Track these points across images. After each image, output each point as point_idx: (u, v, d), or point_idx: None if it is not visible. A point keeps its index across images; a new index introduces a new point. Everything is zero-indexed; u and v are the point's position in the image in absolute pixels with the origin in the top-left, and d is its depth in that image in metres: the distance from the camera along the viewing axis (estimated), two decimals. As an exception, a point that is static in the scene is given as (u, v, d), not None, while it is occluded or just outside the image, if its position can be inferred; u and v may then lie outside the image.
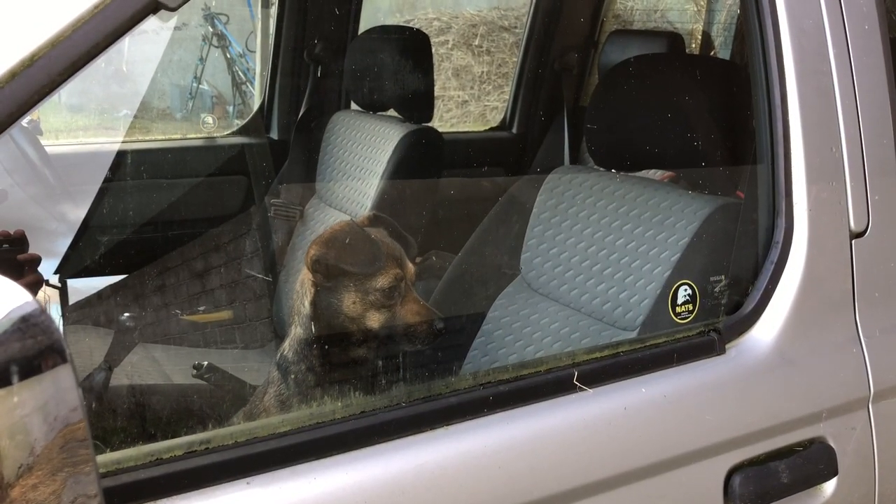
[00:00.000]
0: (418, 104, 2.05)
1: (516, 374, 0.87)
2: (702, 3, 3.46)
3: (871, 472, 1.08)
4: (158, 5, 0.63)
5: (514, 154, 2.91)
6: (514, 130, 2.92)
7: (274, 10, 2.61)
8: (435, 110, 5.82)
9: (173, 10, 0.63)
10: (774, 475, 0.97)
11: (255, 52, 4.83)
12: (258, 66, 3.60)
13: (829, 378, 1.06)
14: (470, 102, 5.09)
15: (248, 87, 7.13)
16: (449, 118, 5.15)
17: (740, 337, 1.00)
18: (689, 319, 1.04)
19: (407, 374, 1.05)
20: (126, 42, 0.68)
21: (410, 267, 1.16)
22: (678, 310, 1.04)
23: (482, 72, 4.95)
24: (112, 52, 0.67)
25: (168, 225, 2.17)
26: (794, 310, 1.03)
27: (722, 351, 0.99)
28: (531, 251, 1.61)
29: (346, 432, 0.75)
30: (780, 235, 1.03)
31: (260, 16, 3.71)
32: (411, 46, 2.07)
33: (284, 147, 2.44)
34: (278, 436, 0.72)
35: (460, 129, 4.44)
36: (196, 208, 2.25)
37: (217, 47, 7.10)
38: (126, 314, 1.60)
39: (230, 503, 0.68)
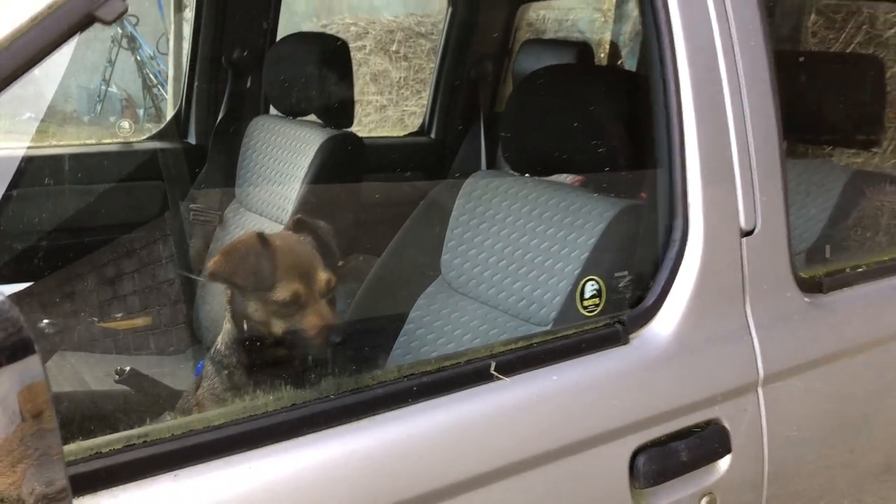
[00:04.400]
0: (338, 110, 2.08)
1: (438, 366, 0.93)
2: (609, 14, 3.61)
3: (760, 450, 1.18)
4: (94, 18, 0.65)
5: (432, 159, 2.97)
6: (433, 136, 2.99)
7: (188, 14, 2.59)
8: (356, 115, 5.85)
9: (108, 23, 0.66)
10: (675, 455, 1.06)
11: (166, 54, 4.74)
12: (171, 69, 3.55)
13: (723, 364, 1.15)
14: (388, 107, 5.13)
15: (159, 90, 6.96)
16: (368, 122, 5.18)
17: (642, 328, 1.09)
18: (595, 313, 1.12)
19: (335, 369, 1.09)
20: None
21: (322, 277, 1.19)
22: (586, 303, 1.12)
23: (400, 77, 5.01)
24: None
25: (80, 231, 2.14)
26: (690, 302, 1.12)
27: (626, 341, 1.07)
28: (450, 252, 1.67)
29: (278, 423, 0.79)
30: (677, 234, 1.13)
31: (173, 18, 3.66)
32: (330, 53, 2.11)
33: (202, 152, 2.44)
34: (213, 428, 0.76)
35: (380, 135, 4.48)
36: (110, 214, 2.23)
37: (127, 49, 6.92)
38: (45, 321, 1.58)
39: (167, 492, 0.72)
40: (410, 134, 3.10)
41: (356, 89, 5.63)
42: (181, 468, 0.73)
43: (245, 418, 0.78)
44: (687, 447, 1.08)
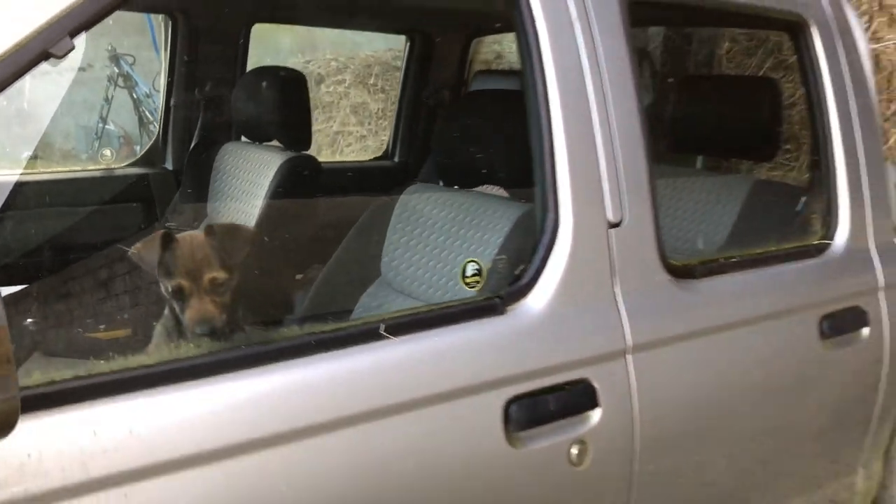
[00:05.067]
0: (297, 134, 2.33)
1: (337, 326, 1.15)
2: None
3: (629, 408, 1.39)
4: (48, 55, 0.89)
5: (396, 181, 3.21)
6: (396, 159, 3.23)
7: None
8: (336, 144, 6.11)
9: (60, 58, 0.89)
10: (545, 404, 1.28)
11: (160, 91, 5.02)
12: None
13: (591, 334, 1.37)
14: (368, 137, 5.39)
15: (155, 126, 7.23)
16: (349, 152, 5.44)
17: (518, 302, 1.31)
18: (476, 288, 1.34)
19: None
20: (27, 82, 0.93)
21: (208, 276, 1.42)
22: (468, 280, 1.35)
23: (378, 108, 5.27)
24: (13, 92, 0.92)
25: (66, 249, 2.37)
26: (561, 282, 1.34)
27: (503, 312, 1.29)
28: (389, 255, 1.90)
29: (199, 364, 1.02)
30: (549, 225, 1.35)
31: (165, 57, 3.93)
32: (290, 84, 2.36)
33: (179, 176, 2.68)
34: (146, 366, 0.99)
35: (348, 160, 4.73)
36: (92, 234, 2.46)
37: (123, 88, 7.20)
38: (28, 320, 1.80)
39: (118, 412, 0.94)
40: (376, 158, 3.34)
41: (337, 121, 5.89)
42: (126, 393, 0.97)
43: (175, 359, 1.01)
44: (556, 399, 1.29)
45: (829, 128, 1.88)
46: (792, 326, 1.71)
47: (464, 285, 1.34)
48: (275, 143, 2.41)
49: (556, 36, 1.39)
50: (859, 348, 1.85)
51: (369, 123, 5.34)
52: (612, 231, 1.42)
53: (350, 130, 5.45)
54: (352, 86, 5.37)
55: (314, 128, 6.00)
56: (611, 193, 1.42)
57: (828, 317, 1.76)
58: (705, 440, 1.57)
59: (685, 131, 2.35)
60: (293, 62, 5.84)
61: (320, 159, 2.40)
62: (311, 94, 5.56)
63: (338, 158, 5.27)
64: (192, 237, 1.48)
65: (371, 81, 5.29)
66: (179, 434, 0.98)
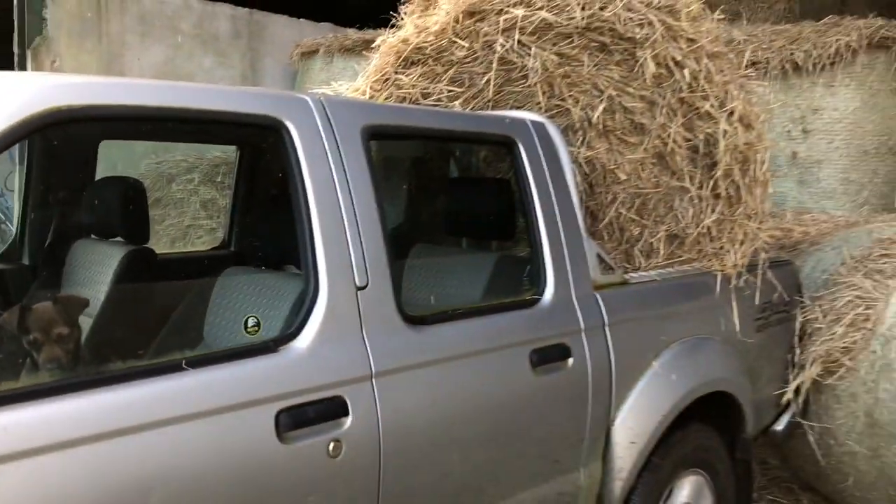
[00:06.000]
0: (136, 231, 2.83)
1: (151, 361, 1.69)
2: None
3: (374, 414, 1.98)
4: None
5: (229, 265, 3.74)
6: (232, 248, 3.77)
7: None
8: (188, 237, 6.56)
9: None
10: (307, 413, 1.84)
11: (13, 191, 5.32)
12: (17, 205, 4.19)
13: (345, 364, 1.96)
14: (217, 230, 5.89)
15: (7, 225, 7.37)
16: (199, 243, 5.92)
17: (287, 343, 1.89)
18: (255, 335, 1.91)
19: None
20: None
21: (55, 331, 1.98)
22: (250, 330, 1.92)
23: (225, 203, 5.81)
24: None
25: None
26: (321, 328, 1.93)
27: (276, 350, 1.86)
28: (209, 324, 2.43)
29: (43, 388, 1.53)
30: (311, 288, 1.95)
31: (18, 157, 4.31)
32: (130, 190, 2.88)
33: (35, 270, 3.11)
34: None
35: (192, 250, 5.21)
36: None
37: (-26, 189, 7.34)
38: None
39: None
40: (214, 248, 3.87)
41: (188, 216, 6.35)
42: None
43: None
44: (315, 409, 1.86)
45: (535, 215, 2.60)
46: (507, 358, 2.37)
47: (246, 334, 1.90)
48: (119, 238, 2.91)
49: (312, 156, 2.02)
50: (565, 375, 2.53)
51: (218, 217, 5.85)
52: (360, 292, 2.03)
53: (200, 224, 5.94)
54: (201, 183, 5.90)
55: (168, 223, 6.45)
56: (357, 266, 2.04)
57: (536, 351, 2.43)
58: (442, 443, 2.17)
59: (452, 220, 3.05)
60: (146, 163, 6.32)
61: (171, 251, 2.88)
62: (163, 192, 6.05)
63: (189, 249, 5.73)
64: (43, 306, 2.00)
65: (219, 179, 5.85)
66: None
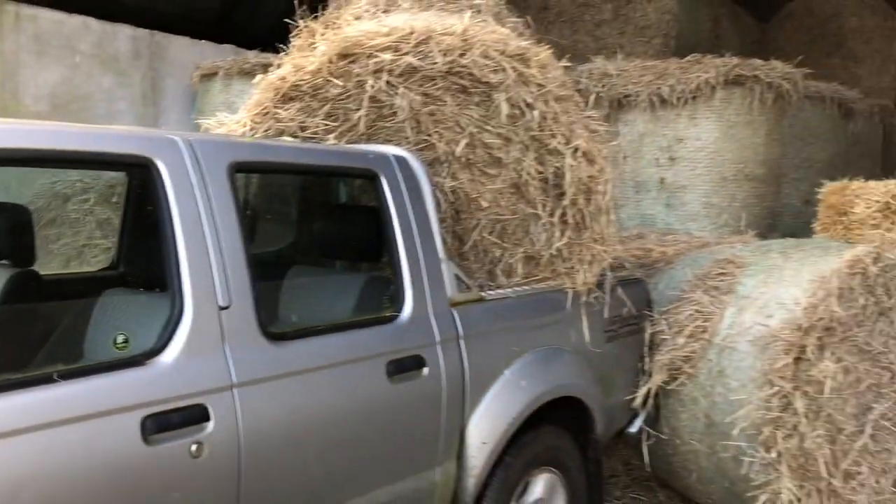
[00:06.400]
0: (21, 254, 2.99)
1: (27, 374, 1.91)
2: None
3: (234, 420, 2.23)
4: None
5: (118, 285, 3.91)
6: (120, 269, 3.94)
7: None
8: (83, 256, 6.62)
9: None
10: (171, 418, 2.09)
11: None
12: None
13: (207, 376, 2.21)
14: (112, 249, 5.98)
15: None
16: (95, 262, 6.00)
17: (154, 357, 2.13)
18: (125, 351, 2.15)
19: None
20: None
21: None
22: (119, 346, 2.15)
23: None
24: None
25: None
26: (186, 343, 2.18)
27: (143, 363, 2.10)
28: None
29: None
30: (177, 308, 2.20)
31: None
32: (15, 215, 3.04)
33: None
34: None
35: (81, 270, 5.32)
36: None
37: None
38: None
39: None
40: (103, 269, 4.03)
41: (83, 235, 6.40)
42: None
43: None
44: (180, 415, 2.11)
45: (395, 240, 2.91)
46: (364, 369, 2.66)
47: (116, 350, 2.14)
48: (4, 262, 3.06)
49: (179, 190, 2.27)
50: (420, 383, 2.84)
51: (112, 237, 5.95)
52: (223, 311, 2.29)
53: (96, 243, 6.02)
54: (96, 203, 5.99)
55: (63, 241, 6.49)
56: (220, 288, 2.30)
57: (392, 362, 2.73)
58: (301, 444, 2.44)
59: (327, 244, 3.33)
60: (41, 183, 6.35)
61: (62, 271, 3.01)
62: (58, 212, 6.11)
63: (83, 268, 5.80)
64: None
65: (114, 199, 5.94)
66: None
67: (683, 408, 4.14)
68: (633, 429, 4.26)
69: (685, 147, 6.35)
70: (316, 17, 3.99)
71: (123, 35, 7.61)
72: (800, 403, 3.50)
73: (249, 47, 8.25)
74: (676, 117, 6.33)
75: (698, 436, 4.09)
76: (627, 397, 4.14)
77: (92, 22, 7.40)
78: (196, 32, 8.37)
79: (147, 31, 7.81)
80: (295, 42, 3.80)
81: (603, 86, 6.53)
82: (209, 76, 7.64)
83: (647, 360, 4.21)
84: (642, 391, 4.15)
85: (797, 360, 3.54)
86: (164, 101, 7.75)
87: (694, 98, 6.20)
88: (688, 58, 6.43)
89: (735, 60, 6.18)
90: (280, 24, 4.19)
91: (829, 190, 5.75)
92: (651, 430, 4.24)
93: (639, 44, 8.14)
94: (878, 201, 5.42)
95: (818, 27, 9.88)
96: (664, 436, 4.25)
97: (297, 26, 3.77)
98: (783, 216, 6.86)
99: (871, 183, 5.61)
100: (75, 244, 6.10)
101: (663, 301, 4.41)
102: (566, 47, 8.60)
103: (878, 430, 3.69)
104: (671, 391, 4.16)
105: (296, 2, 4.17)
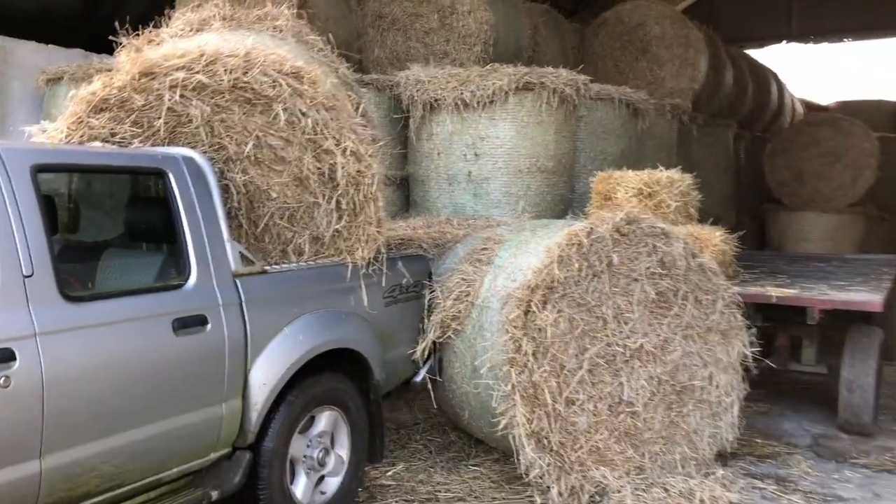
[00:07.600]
0: None
1: None
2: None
3: (36, 360, 2.94)
4: None
5: None
6: None
7: None
8: None
9: None
10: (-19, 358, 2.78)
11: None
12: None
13: (14, 327, 2.91)
14: None
15: None
16: None
17: (-32, 313, 2.82)
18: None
19: None
20: None
21: None
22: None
23: None
24: None
25: None
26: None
27: (-41, 318, 2.79)
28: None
29: None
30: None
31: None
32: None
33: None
34: None
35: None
36: None
37: None
38: None
39: None
40: None
41: None
42: None
43: None
44: (-9, 359, 2.81)
45: (182, 226, 3.66)
46: (153, 324, 3.40)
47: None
48: None
49: (-11, 189, 2.96)
50: (203, 337, 3.60)
51: None
52: (27, 279, 2.99)
53: None
54: None
55: None
56: (24, 262, 2.99)
57: (178, 319, 3.49)
58: (97, 379, 3.16)
59: (133, 230, 4.05)
60: None
61: None
62: None
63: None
64: None
65: None
66: None
67: (456, 358, 5.08)
68: (419, 378, 5.16)
69: (487, 144, 7.34)
70: (138, 35, 4.68)
71: (-34, 39, 7.94)
72: (528, 346, 4.48)
73: (99, 51, 8.70)
74: (479, 118, 7.31)
75: (467, 380, 5.03)
76: (409, 352, 5.03)
77: (-67, 26, 7.70)
78: (54, 33, 8.73)
79: (-9, 35, 8.16)
80: (120, 55, 4.48)
81: (417, 90, 7.44)
82: (55, 80, 8.07)
83: (425, 320, 5.12)
84: (421, 346, 5.05)
85: (526, 312, 4.51)
86: (10, 105, 8.12)
87: (492, 102, 7.19)
88: (486, 67, 7.42)
89: (524, 69, 7.21)
90: (144, 22, 4.82)
91: (598, 179, 6.88)
92: (438, 379, 5.14)
93: (462, 50, 9.10)
94: (633, 188, 6.58)
95: (627, 34, 11.17)
96: (446, 383, 5.17)
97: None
98: (579, 201, 7.96)
99: (630, 172, 6.78)
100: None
101: (442, 272, 5.34)
102: (400, 53, 9.58)
103: (593, 366, 4.72)
104: (446, 345, 5.09)
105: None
